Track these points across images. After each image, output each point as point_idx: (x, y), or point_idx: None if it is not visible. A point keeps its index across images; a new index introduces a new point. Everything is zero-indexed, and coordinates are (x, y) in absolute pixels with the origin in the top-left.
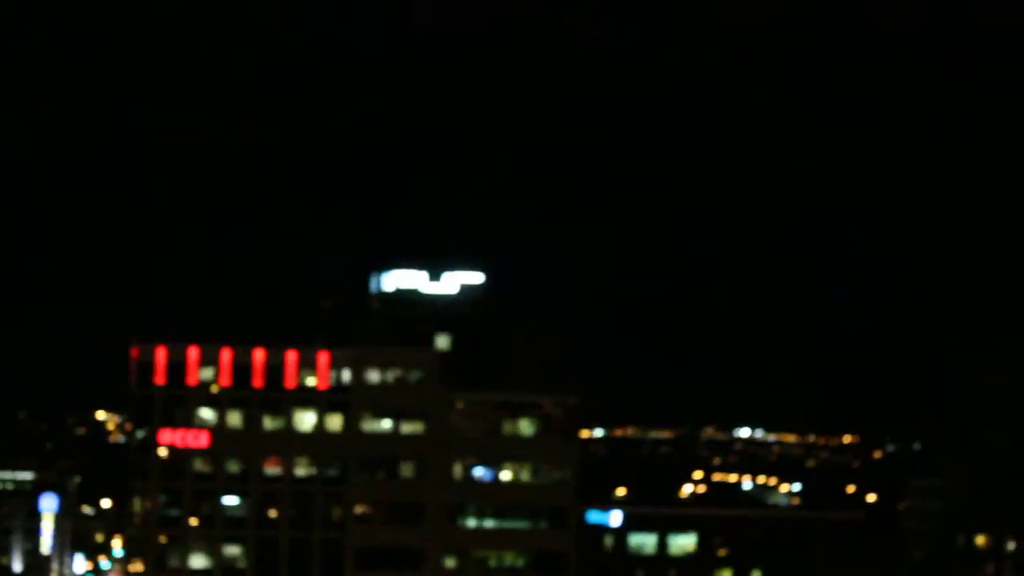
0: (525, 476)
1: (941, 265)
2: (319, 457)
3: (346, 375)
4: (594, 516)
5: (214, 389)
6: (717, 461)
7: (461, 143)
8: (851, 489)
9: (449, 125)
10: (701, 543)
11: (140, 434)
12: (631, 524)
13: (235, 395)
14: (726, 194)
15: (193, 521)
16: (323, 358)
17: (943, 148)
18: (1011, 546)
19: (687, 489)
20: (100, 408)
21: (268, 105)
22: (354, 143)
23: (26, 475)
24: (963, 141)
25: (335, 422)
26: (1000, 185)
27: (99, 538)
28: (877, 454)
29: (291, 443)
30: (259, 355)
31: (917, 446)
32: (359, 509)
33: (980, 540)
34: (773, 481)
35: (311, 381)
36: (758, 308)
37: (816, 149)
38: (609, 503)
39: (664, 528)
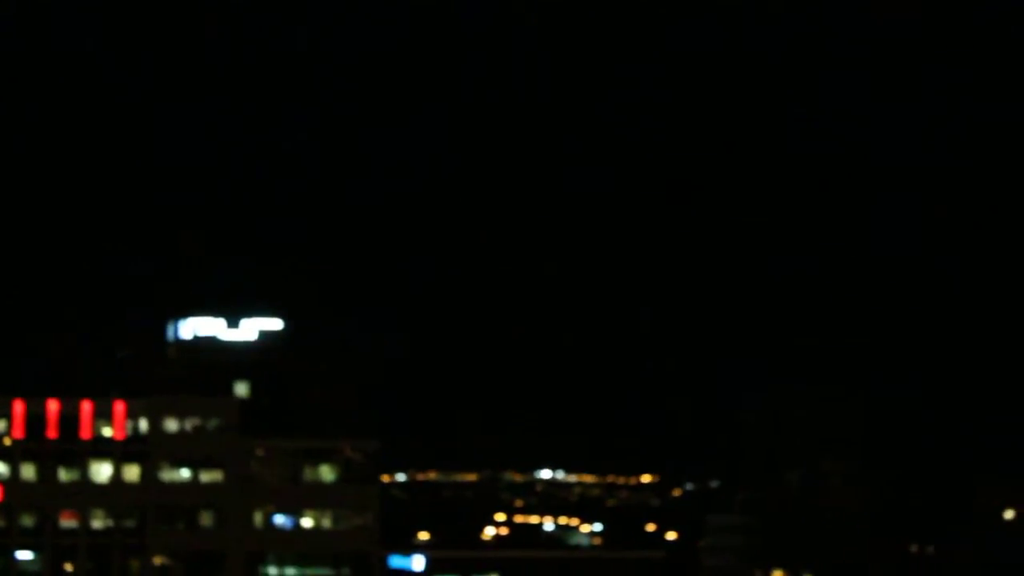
0: (326, 522)
1: (727, 305)
2: (116, 508)
3: (143, 424)
4: (396, 561)
5: (6, 442)
6: (519, 503)
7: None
8: (651, 528)
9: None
10: None
11: None
12: (434, 568)
13: (28, 447)
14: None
15: None
16: (119, 408)
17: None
18: None
19: (489, 531)
20: None
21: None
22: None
23: None
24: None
25: (132, 472)
26: (772, 228)
27: None
28: (676, 492)
29: (87, 495)
30: (53, 406)
31: (715, 484)
32: (158, 560)
33: (777, 575)
34: (575, 522)
35: (107, 431)
36: (552, 355)
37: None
38: (411, 548)
39: (467, 571)
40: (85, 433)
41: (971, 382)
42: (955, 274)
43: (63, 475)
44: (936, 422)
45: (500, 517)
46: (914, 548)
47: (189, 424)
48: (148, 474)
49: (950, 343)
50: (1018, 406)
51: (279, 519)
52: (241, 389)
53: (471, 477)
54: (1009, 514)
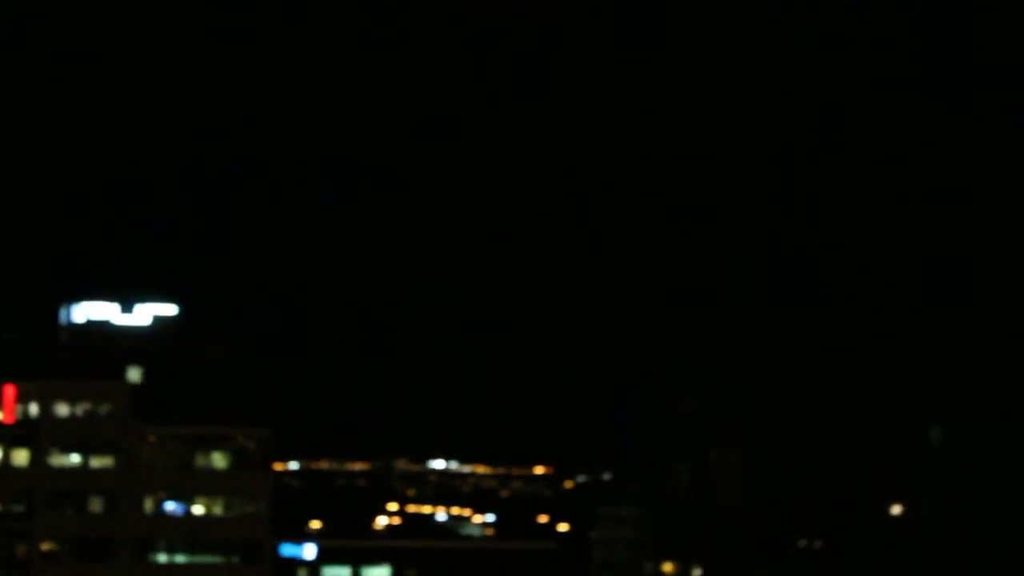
0: (218, 510)
1: (630, 295)
2: (4, 493)
3: (33, 409)
4: (288, 550)
5: None
6: (412, 493)
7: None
8: (543, 519)
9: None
10: (395, 575)
11: None
12: (325, 557)
13: None
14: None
15: None
16: (9, 391)
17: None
18: (697, 573)
19: (382, 521)
20: None
21: None
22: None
23: None
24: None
25: (21, 457)
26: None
27: None
28: (569, 484)
29: None
30: None
31: (607, 476)
32: (46, 546)
33: (667, 567)
34: (467, 512)
35: None
36: (447, 345)
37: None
38: (303, 536)
39: (358, 560)
40: None
41: (859, 375)
42: (841, 267)
43: None
44: (825, 416)
45: (393, 507)
46: (802, 543)
47: (80, 409)
48: (37, 459)
49: (837, 336)
50: (905, 400)
51: (170, 506)
52: (134, 375)
53: (364, 466)
54: (896, 509)
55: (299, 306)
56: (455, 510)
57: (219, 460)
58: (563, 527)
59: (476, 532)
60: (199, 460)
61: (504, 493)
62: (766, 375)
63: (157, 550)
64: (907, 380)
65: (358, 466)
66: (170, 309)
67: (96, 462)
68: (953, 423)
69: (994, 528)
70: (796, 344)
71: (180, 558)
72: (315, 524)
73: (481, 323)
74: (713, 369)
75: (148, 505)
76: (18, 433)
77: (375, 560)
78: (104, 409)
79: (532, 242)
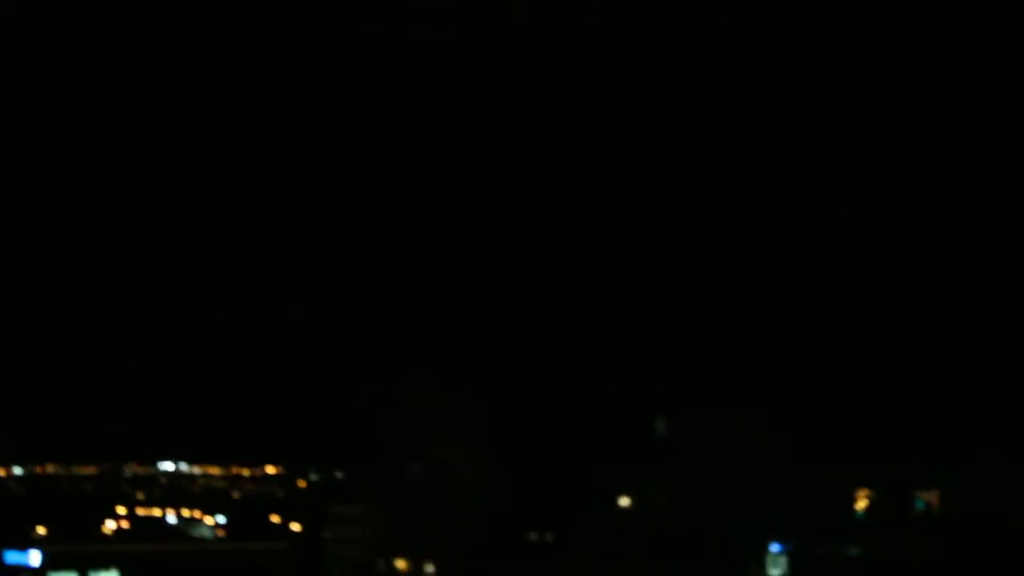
0: None
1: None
2: None
3: None
4: (12, 557)
5: None
6: (141, 496)
7: None
8: (276, 519)
9: None
10: None
11: None
12: (52, 563)
13: None
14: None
15: None
16: None
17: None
18: (430, 569)
19: (110, 525)
20: None
21: None
22: None
23: None
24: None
25: None
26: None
27: None
28: (301, 483)
29: None
30: None
31: (340, 474)
32: None
33: (400, 564)
34: (198, 514)
35: None
36: (177, 344)
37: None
38: (28, 543)
39: (86, 565)
40: None
41: (589, 370)
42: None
43: None
44: (556, 411)
45: (121, 510)
46: (534, 536)
47: None
48: None
49: (565, 329)
50: (633, 395)
51: None
52: None
53: (91, 470)
54: (624, 501)
55: (21, 303)
56: (185, 512)
57: None
58: (296, 527)
59: (208, 534)
60: None
61: (235, 494)
62: (498, 372)
63: None
64: (634, 373)
65: (85, 470)
66: None
67: None
68: (677, 413)
69: (720, 514)
70: (524, 339)
71: None
72: (41, 530)
73: (211, 320)
74: (446, 367)
75: None
76: None
77: (104, 564)
78: None
79: (270, 226)
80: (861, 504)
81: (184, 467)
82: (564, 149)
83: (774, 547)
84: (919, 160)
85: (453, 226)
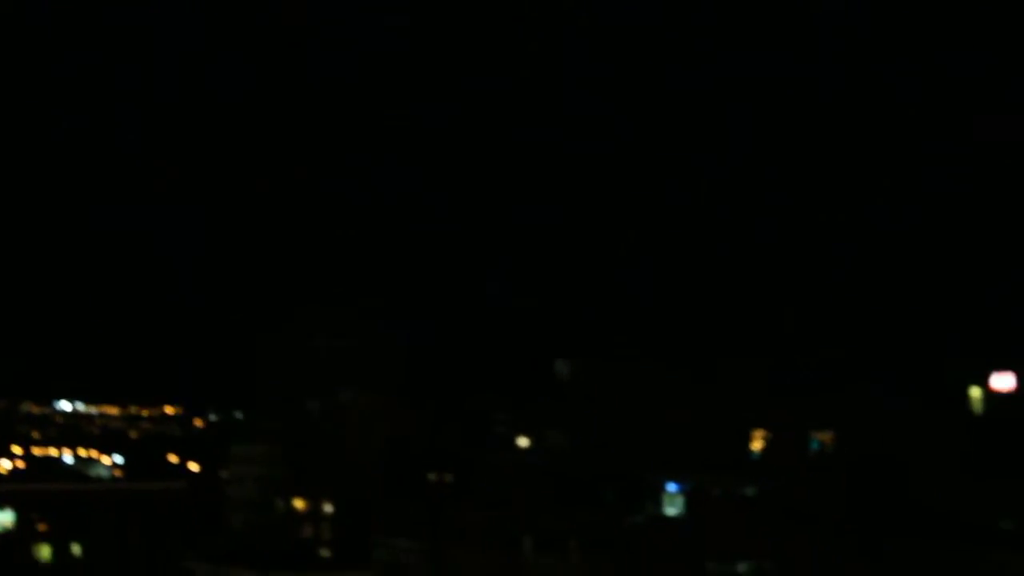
0: None
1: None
2: None
3: None
4: None
5: None
6: (37, 435)
7: None
8: (173, 459)
9: None
10: (20, 519)
11: None
12: None
13: None
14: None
15: None
16: None
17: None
18: (328, 508)
19: (6, 465)
20: None
21: None
22: None
23: None
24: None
25: None
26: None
27: None
28: (199, 423)
29: None
30: None
31: (238, 414)
32: None
33: (299, 504)
34: (95, 454)
35: None
36: (75, 283)
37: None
38: None
39: None
40: None
41: (487, 313)
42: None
43: None
44: (456, 353)
45: (17, 450)
46: (433, 476)
47: None
48: None
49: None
50: (533, 338)
51: None
52: None
53: None
54: (523, 441)
55: None
56: (82, 452)
57: None
58: (194, 466)
59: (105, 474)
60: None
61: (133, 434)
62: (401, 313)
63: None
64: (535, 317)
65: None
66: None
67: None
68: (579, 357)
69: (618, 455)
70: (428, 281)
71: None
72: None
73: (112, 260)
74: (349, 308)
75: None
76: None
77: None
78: None
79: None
80: (757, 445)
81: (81, 407)
82: (469, 84)
83: (671, 487)
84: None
85: (356, 165)
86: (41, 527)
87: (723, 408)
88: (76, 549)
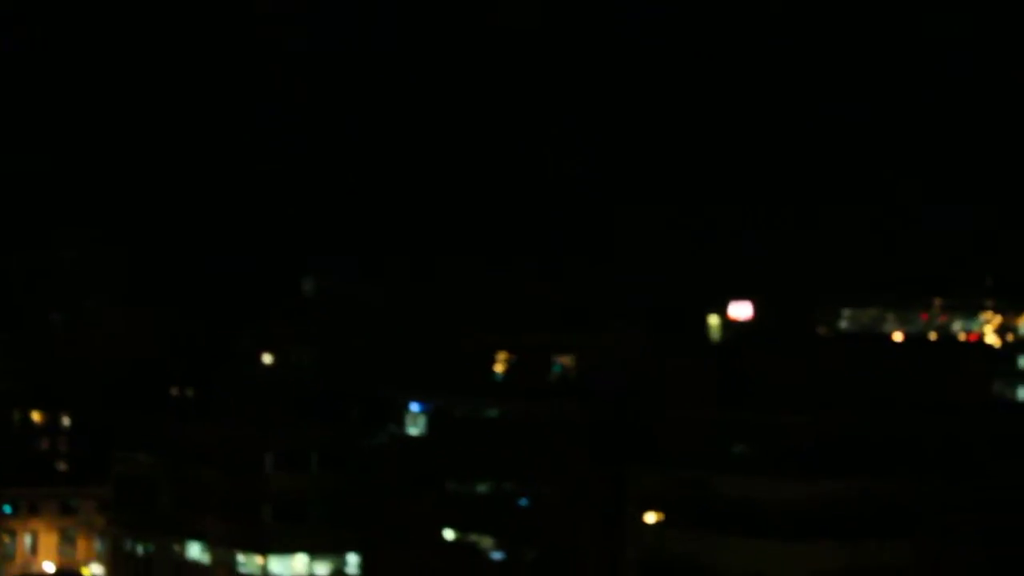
0: None
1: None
2: None
3: None
4: None
5: None
6: None
7: None
8: None
9: None
10: None
11: None
12: None
13: None
14: None
15: None
16: None
17: None
18: (66, 421)
19: None
20: None
21: None
22: None
23: None
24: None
25: None
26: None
27: None
28: None
29: None
30: None
31: None
32: None
33: (36, 416)
34: None
35: None
36: None
37: None
38: None
39: None
40: None
41: (238, 230)
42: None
43: None
44: (204, 267)
45: None
46: (175, 390)
47: None
48: None
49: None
50: (279, 256)
51: None
52: None
53: None
54: (268, 358)
55: None
56: None
57: None
58: None
59: None
60: None
61: None
62: (147, 226)
63: None
64: (282, 234)
65: None
66: None
67: None
68: (324, 274)
69: (362, 374)
70: (174, 195)
71: None
72: None
73: None
74: (94, 221)
75: None
76: None
77: None
78: None
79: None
80: (500, 367)
81: None
82: None
83: (414, 406)
84: None
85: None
86: None
87: (468, 332)
88: None
